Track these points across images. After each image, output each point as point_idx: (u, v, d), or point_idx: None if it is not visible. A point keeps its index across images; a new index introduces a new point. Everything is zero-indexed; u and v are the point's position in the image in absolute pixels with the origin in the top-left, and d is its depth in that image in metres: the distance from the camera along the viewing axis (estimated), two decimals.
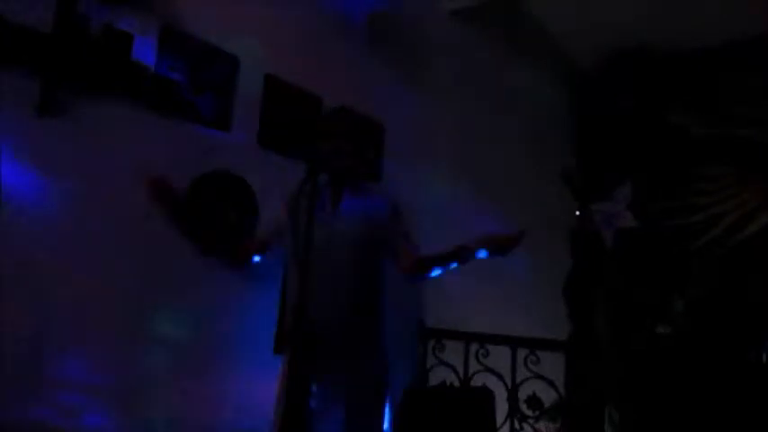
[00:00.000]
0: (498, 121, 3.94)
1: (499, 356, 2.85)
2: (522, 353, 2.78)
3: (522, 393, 2.77)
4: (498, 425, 2.71)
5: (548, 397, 2.73)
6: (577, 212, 3.48)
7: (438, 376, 3.04)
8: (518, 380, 2.77)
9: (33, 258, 2.06)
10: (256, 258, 2.23)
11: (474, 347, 2.93)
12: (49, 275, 2.09)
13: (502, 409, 2.74)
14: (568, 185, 3.44)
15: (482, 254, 2.03)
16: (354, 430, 1.96)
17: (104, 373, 2.18)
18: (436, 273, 2.11)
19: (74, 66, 2.16)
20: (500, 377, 2.81)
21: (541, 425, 2.75)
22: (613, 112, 4.43)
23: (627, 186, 4.11)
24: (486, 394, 2.69)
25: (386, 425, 2.06)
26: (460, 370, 2.96)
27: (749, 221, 3.88)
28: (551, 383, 2.68)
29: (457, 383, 2.96)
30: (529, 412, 2.74)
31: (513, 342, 2.82)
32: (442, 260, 2.09)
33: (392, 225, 2.11)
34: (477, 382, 2.89)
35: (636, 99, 4.36)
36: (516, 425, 2.75)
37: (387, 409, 2.07)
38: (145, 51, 2.37)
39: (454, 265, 2.08)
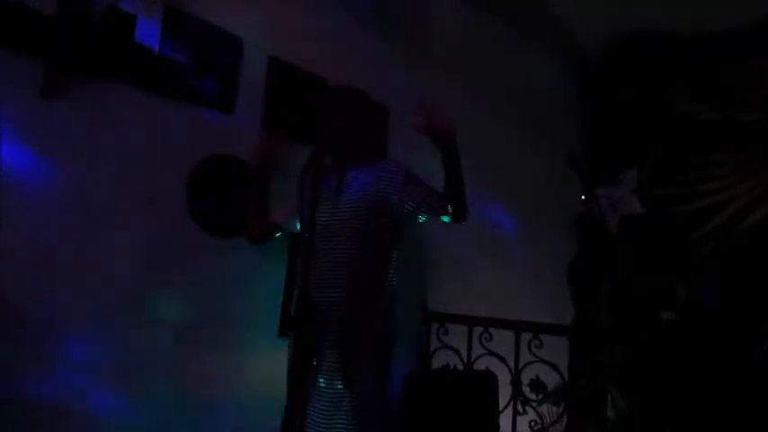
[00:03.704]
0: (503, 105, 3.92)
1: (503, 340, 2.86)
2: (525, 337, 2.78)
3: (526, 377, 2.77)
4: (501, 408, 2.72)
5: (551, 381, 2.74)
6: (583, 198, 3.46)
7: (441, 360, 3.05)
8: (521, 364, 2.77)
9: (36, 240, 2.06)
10: (274, 235, 2.25)
11: (478, 331, 2.94)
12: (51, 257, 2.09)
13: (505, 392, 2.75)
14: (574, 170, 3.42)
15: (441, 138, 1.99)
16: (360, 413, 1.96)
17: (108, 354, 2.19)
18: (465, 198, 2.05)
19: (77, 47, 2.15)
20: (503, 361, 2.81)
21: (544, 408, 2.76)
22: (618, 97, 4.40)
23: (632, 172, 4.09)
24: (490, 378, 2.70)
25: (391, 407, 2.07)
26: (464, 353, 2.97)
27: (754, 208, 3.86)
28: (555, 368, 2.69)
29: (460, 367, 2.97)
30: (532, 396, 2.75)
31: (517, 326, 2.82)
32: (450, 182, 2.02)
33: (411, 189, 2.08)
34: (480, 365, 2.90)
35: (639, 85, 4.33)
36: (519, 408, 2.75)
37: (391, 391, 2.08)
38: (148, 33, 2.36)
39: (458, 171, 2.02)
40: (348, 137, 2.13)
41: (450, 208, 2.05)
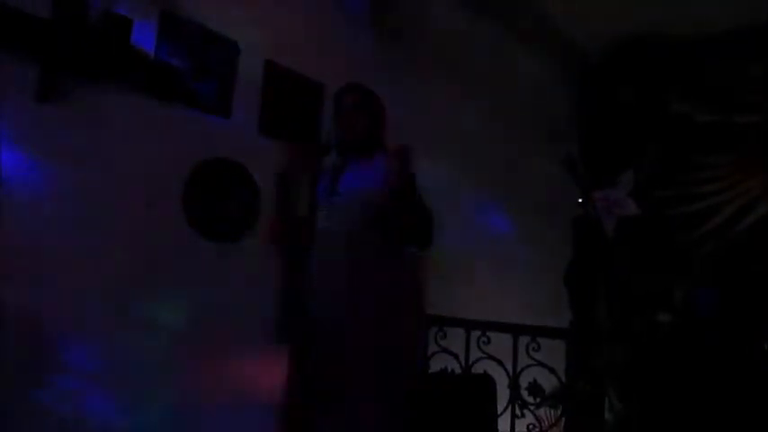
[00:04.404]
0: (501, 107, 3.92)
1: (500, 344, 2.86)
2: (523, 340, 2.78)
3: (524, 380, 2.77)
4: (499, 412, 2.72)
5: (549, 384, 2.73)
6: (579, 200, 3.47)
7: (440, 363, 3.05)
8: (519, 367, 2.77)
9: (33, 244, 2.06)
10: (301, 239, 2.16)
11: (475, 335, 2.93)
12: (49, 261, 2.09)
13: (503, 395, 2.75)
14: (571, 173, 3.43)
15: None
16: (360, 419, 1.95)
17: (104, 359, 2.19)
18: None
19: (73, 51, 2.14)
20: (501, 364, 2.81)
21: (542, 412, 2.76)
22: (615, 99, 4.40)
23: (629, 174, 4.09)
24: (488, 381, 2.69)
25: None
26: (462, 357, 2.96)
27: (751, 210, 3.87)
28: (552, 371, 2.69)
29: (458, 370, 2.96)
30: (530, 399, 2.75)
31: (515, 329, 2.82)
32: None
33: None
34: (478, 369, 2.90)
35: (638, 86, 4.34)
36: (517, 411, 2.75)
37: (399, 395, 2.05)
38: (144, 37, 2.35)
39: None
40: (359, 139, 2.13)
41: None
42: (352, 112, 2.14)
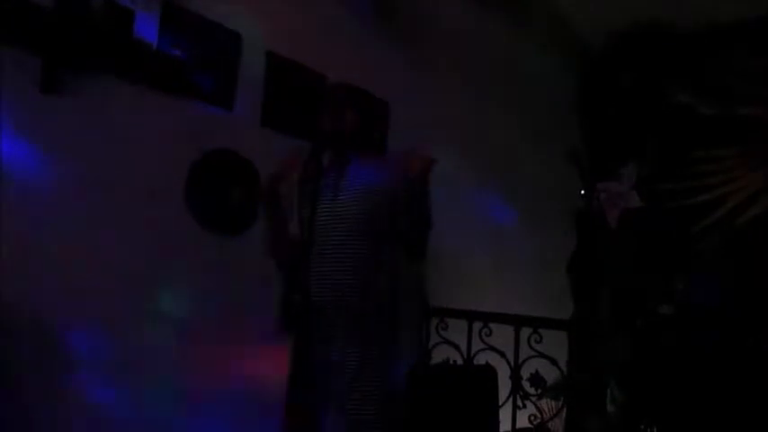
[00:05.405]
0: (503, 100, 3.91)
1: (502, 335, 2.86)
2: (525, 332, 2.78)
3: (525, 372, 2.78)
4: (501, 402, 2.73)
5: (550, 375, 2.74)
6: (582, 192, 3.47)
7: (441, 355, 3.06)
8: (521, 358, 2.77)
9: (36, 235, 2.06)
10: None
11: (477, 326, 2.94)
12: (51, 252, 2.10)
13: (505, 386, 2.75)
14: (574, 165, 3.43)
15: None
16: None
17: (108, 350, 2.20)
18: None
19: (75, 42, 2.14)
20: (503, 355, 2.82)
21: (544, 403, 2.77)
22: (618, 90, 4.39)
23: (631, 166, 4.09)
24: (489, 372, 2.70)
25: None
26: (463, 348, 2.97)
27: (754, 203, 3.86)
28: (554, 362, 2.69)
29: (460, 362, 2.97)
30: (531, 390, 2.75)
31: (517, 321, 2.83)
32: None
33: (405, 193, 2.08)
34: (480, 360, 2.90)
35: (641, 78, 4.32)
36: (519, 402, 2.76)
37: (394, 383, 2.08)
38: (147, 28, 2.35)
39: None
40: (348, 133, 2.13)
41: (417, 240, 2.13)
42: (341, 105, 2.14)
